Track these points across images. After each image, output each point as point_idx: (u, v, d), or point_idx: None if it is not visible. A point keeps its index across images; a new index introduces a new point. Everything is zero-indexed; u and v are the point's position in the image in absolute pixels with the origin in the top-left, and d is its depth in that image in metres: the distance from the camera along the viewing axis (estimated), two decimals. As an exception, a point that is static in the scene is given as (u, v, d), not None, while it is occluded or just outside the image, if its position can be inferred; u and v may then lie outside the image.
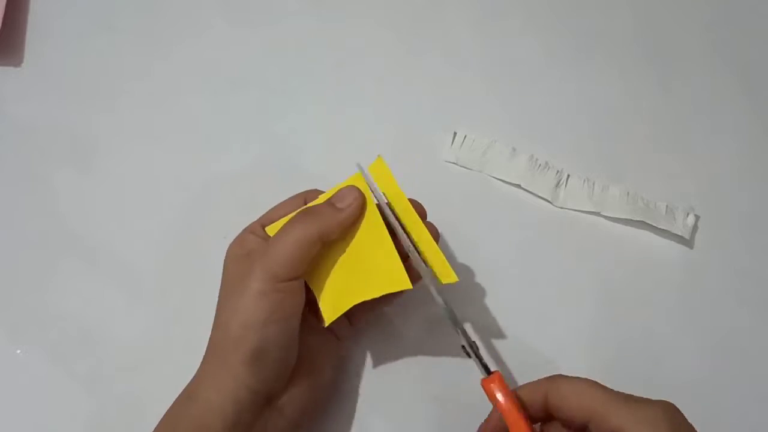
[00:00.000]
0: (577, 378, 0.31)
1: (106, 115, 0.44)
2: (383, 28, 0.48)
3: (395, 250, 0.35)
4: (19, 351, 0.39)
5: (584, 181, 0.44)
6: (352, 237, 0.35)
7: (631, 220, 0.43)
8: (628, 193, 0.44)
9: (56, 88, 0.45)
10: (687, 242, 0.44)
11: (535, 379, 0.40)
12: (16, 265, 0.40)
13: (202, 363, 0.33)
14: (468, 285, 0.42)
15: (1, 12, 0.44)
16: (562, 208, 0.44)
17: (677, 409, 0.30)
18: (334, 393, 0.38)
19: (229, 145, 0.44)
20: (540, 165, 0.44)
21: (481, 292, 0.42)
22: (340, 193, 0.35)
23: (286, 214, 0.35)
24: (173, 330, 0.40)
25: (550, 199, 0.44)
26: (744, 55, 0.49)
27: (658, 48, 0.49)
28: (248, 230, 0.36)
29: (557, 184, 0.44)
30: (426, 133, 0.45)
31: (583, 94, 0.47)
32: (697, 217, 0.44)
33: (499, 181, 0.44)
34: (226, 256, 0.35)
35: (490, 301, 0.41)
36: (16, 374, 0.38)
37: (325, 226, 0.33)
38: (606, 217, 0.44)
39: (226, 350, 0.32)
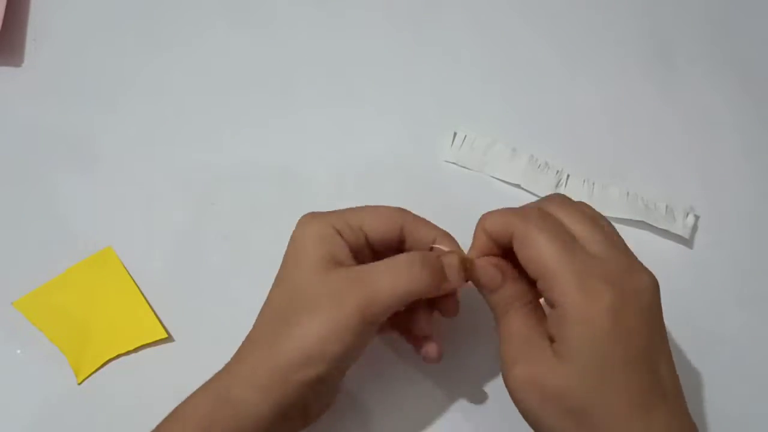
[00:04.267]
0: (544, 227, 0.29)
1: (107, 115, 0.44)
2: (383, 28, 0.48)
3: (146, 304, 0.39)
4: (19, 351, 0.39)
5: (584, 181, 0.44)
6: (103, 296, 0.39)
7: (631, 220, 0.43)
8: (627, 193, 0.44)
9: (56, 88, 0.45)
10: (687, 242, 0.44)
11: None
12: (17, 265, 0.40)
13: (241, 358, 0.31)
14: (468, 285, 0.42)
15: (2, 12, 0.44)
16: (562, 208, 0.44)
17: (634, 299, 0.28)
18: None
19: (230, 145, 0.44)
20: (540, 165, 0.44)
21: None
22: (452, 262, 0.32)
23: (384, 233, 0.32)
24: (173, 330, 0.40)
25: (550, 199, 0.44)
26: (744, 55, 0.49)
27: (659, 48, 0.49)
28: (336, 225, 0.32)
29: (557, 184, 0.44)
30: (426, 133, 0.45)
31: (584, 94, 0.47)
32: (697, 217, 0.44)
33: (499, 182, 0.44)
34: (298, 247, 0.32)
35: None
36: (16, 374, 0.38)
37: (430, 289, 0.31)
38: (606, 218, 0.43)
39: (285, 368, 0.29)
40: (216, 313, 0.40)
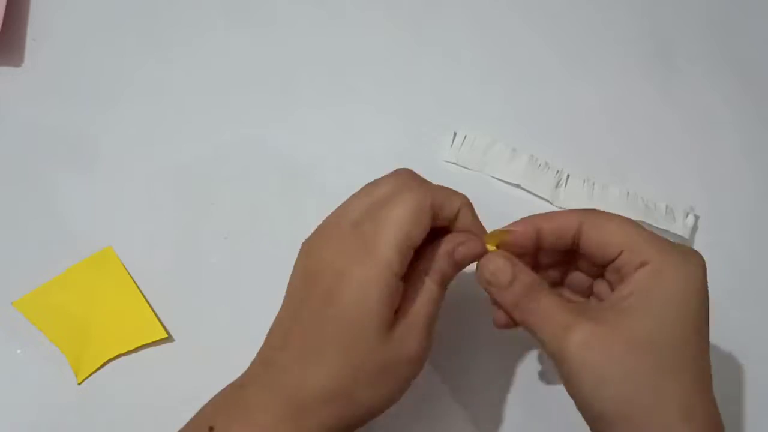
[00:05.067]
0: (613, 214, 0.31)
1: (107, 115, 0.44)
2: (384, 28, 0.48)
3: (146, 303, 0.39)
4: (19, 351, 0.39)
5: (584, 181, 0.44)
6: (103, 297, 0.39)
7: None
8: (627, 193, 0.44)
9: (56, 88, 0.45)
10: (687, 242, 0.44)
11: (539, 378, 0.40)
12: (17, 264, 0.40)
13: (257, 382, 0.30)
14: (467, 285, 0.42)
15: (2, 12, 0.44)
16: (562, 208, 0.44)
17: (704, 266, 0.30)
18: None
19: (230, 145, 0.44)
20: (540, 165, 0.44)
21: (480, 292, 0.42)
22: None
23: (422, 234, 0.30)
24: (173, 330, 0.40)
25: (550, 200, 0.44)
26: (744, 55, 0.49)
27: (659, 48, 0.49)
28: (393, 272, 0.29)
29: (557, 184, 0.44)
30: (426, 133, 0.45)
31: (584, 94, 0.47)
32: (696, 217, 0.44)
33: (499, 181, 0.44)
34: (364, 303, 0.29)
35: (488, 300, 0.41)
36: (16, 374, 0.38)
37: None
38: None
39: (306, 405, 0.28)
40: (216, 313, 0.40)
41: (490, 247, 0.33)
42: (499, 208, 0.44)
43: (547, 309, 0.30)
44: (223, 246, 0.42)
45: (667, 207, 0.44)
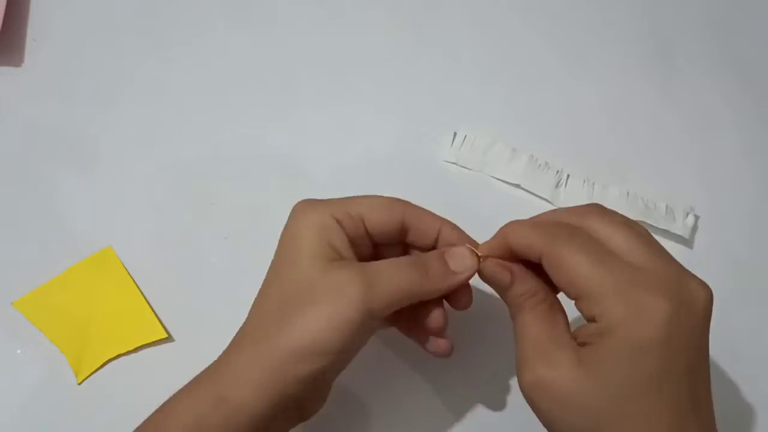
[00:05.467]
0: (574, 245, 0.28)
1: (107, 115, 0.44)
2: (384, 28, 0.48)
3: (146, 303, 0.39)
4: (19, 351, 0.39)
5: (584, 181, 0.44)
6: (103, 297, 0.39)
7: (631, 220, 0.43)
8: (627, 193, 0.44)
9: (56, 88, 0.45)
10: (687, 242, 0.44)
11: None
12: (17, 264, 0.40)
13: (234, 353, 0.30)
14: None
15: (1, 12, 0.44)
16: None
17: (687, 312, 0.27)
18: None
19: (230, 145, 0.44)
20: (540, 165, 0.44)
21: (480, 292, 0.42)
22: (457, 254, 0.31)
23: (384, 224, 0.31)
24: (173, 330, 0.40)
25: (550, 200, 0.44)
26: (744, 55, 0.49)
27: (659, 48, 0.49)
28: (336, 215, 0.30)
29: (557, 184, 0.44)
30: (426, 133, 0.45)
31: (584, 94, 0.47)
32: (696, 217, 0.44)
33: (499, 181, 0.44)
34: (297, 236, 0.30)
35: (489, 301, 0.41)
36: (16, 374, 0.38)
37: (433, 288, 0.30)
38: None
39: (280, 363, 0.28)
40: (216, 313, 0.40)
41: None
42: (499, 208, 0.44)
43: (524, 328, 0.30)
44: (223, 246, 0.42)
45: (667, 207, 0.44)
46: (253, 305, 0.31)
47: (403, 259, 0.31)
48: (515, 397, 0.39)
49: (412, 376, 0.39)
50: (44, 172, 0.43)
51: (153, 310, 0.39)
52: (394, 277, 0.29)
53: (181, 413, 0.29)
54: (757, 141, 0.47)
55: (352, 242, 0.31)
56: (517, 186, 0.44)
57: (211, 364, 0.31)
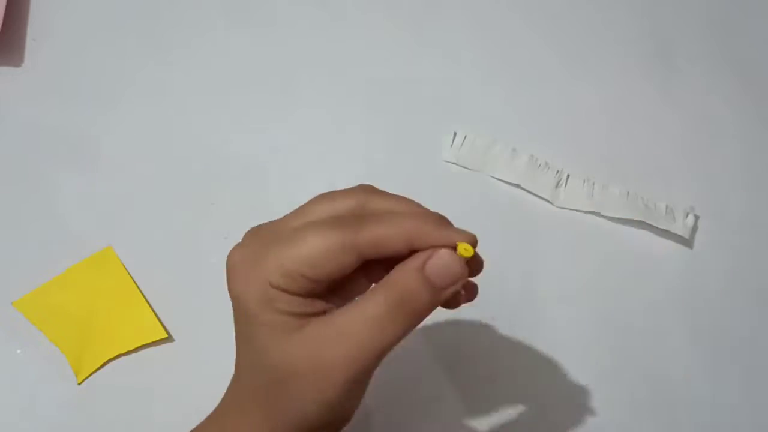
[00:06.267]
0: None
1: (107, 115, 0.44)
2: (384, 28, 0.48)
3: (146, 303, 0.39)
4: (19, 351, 0.39)
5: (584, 181, 0.44)
6: (103, 297, 0.39)
7: (631, 220, 0.43)
8: (628, 193, 0.44)
9: (56, 88, 0.45)
10: (687, 242, 0.44)
11: (533, 383, 0.40)
12: (17, 264, 0.40)
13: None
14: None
15: (2, 12, 0.44)
16: (562, 208, 0.44)
17: None
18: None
19: (230, 145, 0.44)
20: (540, 165, 0.44)
21: (480, 292, 0.42)
22: (441, 267, 0.25)
23: (332, 272, 0.25)
24: (173, 330, 0.40)
25: (550, 199, 0.44)
26: (744, 55, 0.49)
27: (659, 48, 0.49)
28: (273, 282, 0.25)
29: (557, 184, 0.44)
30: (426, 133, 0.45)
31: (584, 94, 0.47)
32: (696, 217, 0.44)
33: (499, 181, 0.44)
34: (246, 310, 0.26)
35: (488, 301, 0.41)
36: (16, 374, 0.38)
37: (419, 321, 0.25)
38: (606, 217, 0.44)
39: None
40: (216, 313, 0.40)
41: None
42: (499, 208, 0.44)
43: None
44: (223, 246, 0.41)
45: (667, 207, 0.44)
46: (230, 386, 0.29)
47: (371, 306, 0.25)
48: (515, 397, 0.39)
49: (412, 376, 0.39)
50: (44, 172, 0.43)
51: (153, 310, 0.39)
52: (372, 340, 0.25)
53: None
54: (757, 141, 0.47)
55: (309, 294, 0.25)
56: (517, 186, 0.44)
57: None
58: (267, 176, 0.44)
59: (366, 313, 0.25)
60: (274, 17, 0.48)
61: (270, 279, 0.25)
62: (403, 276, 0.25)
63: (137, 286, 0.40)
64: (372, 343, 0.24)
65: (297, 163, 0.44)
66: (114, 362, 0.39)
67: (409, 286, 0.25)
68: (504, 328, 0.41)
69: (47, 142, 0.43)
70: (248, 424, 0.27)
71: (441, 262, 0.25)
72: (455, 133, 0.45)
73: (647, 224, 0.43)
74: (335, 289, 0.26)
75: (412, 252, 0.26)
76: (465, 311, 0.40)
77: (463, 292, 0.28)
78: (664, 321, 0.42)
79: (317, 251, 0.24)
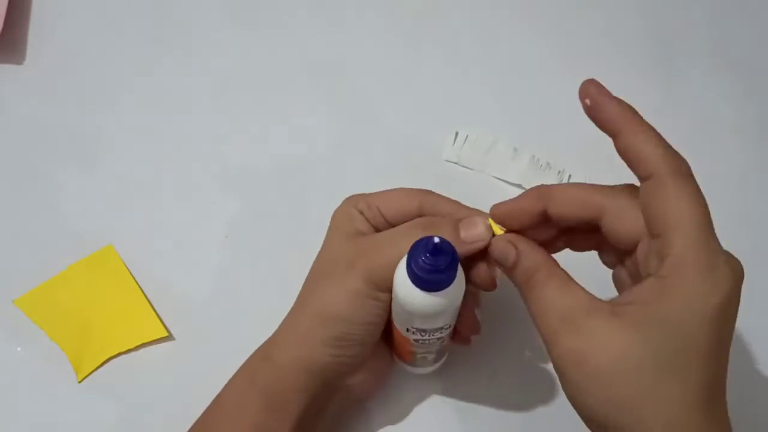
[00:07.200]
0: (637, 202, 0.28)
1: (108, 113, 0.44)
2: (385, 28, 0.48)
3: (147, 302, 0.39)
4: (19, 349, 0.39)
5: (586, 181, 0.44)
6: (104, 295, 0.39)
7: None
8: (629, 193, 0.44)
9: (58, 86, 0.45)
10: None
11: (535, 377, 0.40)
12: (18, 262, 0.40)
13: (283, 326, 0.34)
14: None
15: (3, 11, 0.44)
16: (563, 208, 0.44)
17: (731, 289, 0.26)
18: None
19: (230, 144, 0.44)
20: (541, 165, 0.44)
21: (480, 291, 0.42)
22: (470, 222, 0.31)
23: (398, 211, 0.33)
24: (173, 329, 0.40)
25: (551, 199, 0.44)
26: (744, 55, 0.49)
27: (660, 48, 0.49)
28: (358, 207, 0.34)
29: (558, 184, 0.44)
30: (427, 133, 0.45)
31: (585, 94, 0.47)
32: (697, 218, 0.44)
33: (500, 181, 0.44)
34: (332, 224, 0.34)
35: (488, 301, 0.41)
36: (17, 372, 0.38)
37: None
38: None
39: (307, 327, 0.32)
40: (216, 312, 0.40)
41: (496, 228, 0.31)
42: (500, 207, 0.44)
43: (544, 302, 0.28)
44: (223, 245, 0.42)
45: (667, 207, 0.44)
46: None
47: (413, 223, 0.32)
48: (515, 397, 0.39)
49: (412, 376, 0.39)
50: (45, 170, 0.43)
51: (153, 309, 0.39)
52: (392, 245, 0.30)
53: (240, 369, 0.34)
54: (757, 141, 0.47)
55: (375, 227, 0.33)
56: (519, 186, 0.44)
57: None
58: (267, 176, 0.44)
59: (397, 231, 0.31)
60: (274, 18, 0.48)
61: (356, 205, 0.33)
62: (439, 219, 0.32)
63: (138, 284, 0.40)
64: (390, 255, 0.30)
65: (297, 163, 0.44)
66: (114, 360, 0.39)
67: (441, 225, 0.31)
68: (504, 327, 0.41)
69: (49, 140, 0.43)
70: (286, 322, 0.34)
71: (472, 220, 0.31)
72: (457, 133, 0.45)
73: (648, 224, 0.43)
74: None
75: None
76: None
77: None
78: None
79: (393, 194, 0.34)
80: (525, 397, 0.39)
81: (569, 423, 0.39)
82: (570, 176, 0.44)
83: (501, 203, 0.31)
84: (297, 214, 0.43)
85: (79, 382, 0.38)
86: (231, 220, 0.42)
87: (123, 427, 0.38)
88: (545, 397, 0.39)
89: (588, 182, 0.44)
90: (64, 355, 0.38)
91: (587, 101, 0.29)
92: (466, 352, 0.39)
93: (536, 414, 0.39)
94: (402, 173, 0.44)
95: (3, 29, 0.44)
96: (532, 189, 0.30)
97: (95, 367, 0.38)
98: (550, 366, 0.40)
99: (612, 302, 0.27)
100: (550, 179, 0.44)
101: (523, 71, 0.48)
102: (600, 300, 0.27)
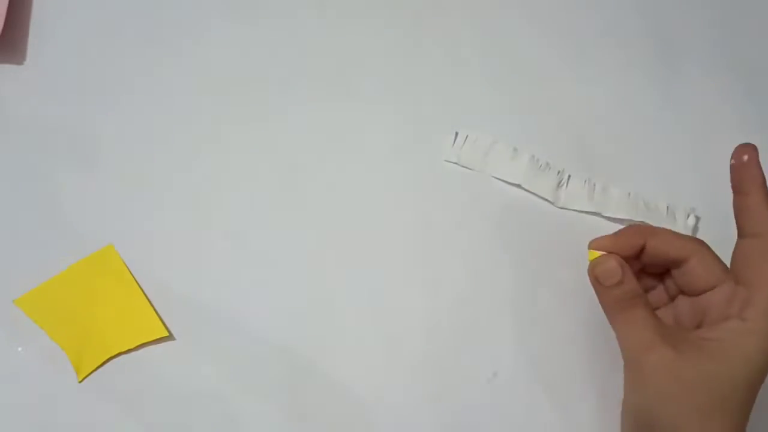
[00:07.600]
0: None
1: (109, 113, 0.44)
2: (384, 27, 0.48)
3: (148, 302, 0.39)
4: (20, 349, 0.39)
5: (585, 181, 0.44)
6: (104, 295, 0.39)
7: (632, 220, 0.43)
8: (629, 193, 0.44)
9: (58, 86, 0.45)
10: (687, 243, 0.44)
11: (535, 377, 0.40)
12: (18, 262, 0.41)
13: None
14: (468, 285, 0.42)
15: (4, 10, 0.44)
16: (562, 208, 0.44)
17: None
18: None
19: (230, 144, 0.44)
20: (541, 165, 0.44)
21: (480, 291, 0.42)
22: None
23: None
24: (174, 329, 0.40)
25: (551, 200, 0.44)
26: (745, 55, 0.49)
27: (659, 48, 0.49)
28: None
29: (558, 185, 0.44)
30: (427, 133, 0.45)
31: (585, 94, 0.47)
32: (697, 218, 0.44)
33: (499, 182, 0.44)
34: None
35: (489, 301, 0.41)
36: (17, 372, 0.38)
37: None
38: (607, 218, 0.44)
39: None
40: (217, 311, 0.40)
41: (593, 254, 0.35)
42: (500, 208, 0.44)
43: (636, 322, 0.33)
44: (223, 245, 0.42)
45: (668, 208, 0.44)
46: None
47: None
48: (515, 396, 0.39)
49: (413, 376, 0.39)
50: (46, 170, 0.43)
51: (154, 309, 0.39)
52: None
53: None
54: (757, 141, 0.47)
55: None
56: (518, 186, 0.44)
57: None
58: (267, 176, 0.44)
59: None
60: (274, 17, 0.48)
61: None
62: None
63: (138, 284, 0.40)
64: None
65: (297, 163, 0.44)
66: (115, 360, 0.39)
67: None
68: (504, 327, 0.41)
69: (49, 140, 0.43)
70: None
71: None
72: (456, 133, 0.45)
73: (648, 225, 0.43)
74: None
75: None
76: (463, 309, 0.41)
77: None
78: (665, 321, 0.42)
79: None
80: (525, 397, 0.39)
81: (569, 423, 0.39)
82: (569, 176, 0.44)
83: (604, 237, 0.35)
84: (297, 212, 0.43)
85: (80, 381, 0.38)
86: (231, 221, 0.42)
87: (123, 427, 0.38)
88: (545, 396, 0.39)
89: (587, 183, 0.44)
90: (64, 354, 0.38)
91: (745, 157, 0.34)
92: (466, 352, 0.39)
93: (536, 414, 0.39)
94: (402, 173, 0.44)
95: (3, 29, 0.44)
96: (632, 226, 0.36)
97: (96, 366, 0.38)
98: (550, 366, 0.40)
99: (697, 332, 0.33)
100: (550, 179, 0.44)
101: (523, 71, 0.48)
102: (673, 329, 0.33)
